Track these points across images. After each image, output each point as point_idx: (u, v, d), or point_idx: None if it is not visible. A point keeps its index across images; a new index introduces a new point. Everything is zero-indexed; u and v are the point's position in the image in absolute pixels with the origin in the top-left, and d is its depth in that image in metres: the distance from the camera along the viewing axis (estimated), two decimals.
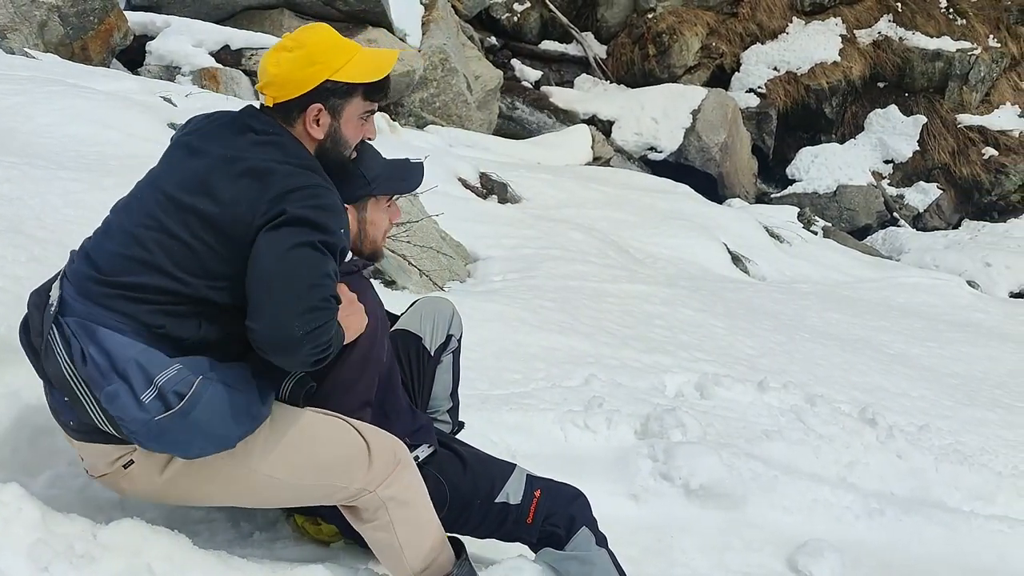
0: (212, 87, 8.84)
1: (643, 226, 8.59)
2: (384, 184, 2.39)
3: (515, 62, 16.23)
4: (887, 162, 16.27)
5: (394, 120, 10.56)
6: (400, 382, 2.56)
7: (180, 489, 2.15)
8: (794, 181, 15.85)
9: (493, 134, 12.89)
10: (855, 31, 17.02)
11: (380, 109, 11.56)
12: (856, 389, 5.21)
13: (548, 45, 16.76)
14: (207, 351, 2.07)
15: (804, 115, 16.42)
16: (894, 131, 16.31)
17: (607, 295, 5.88)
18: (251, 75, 9.21)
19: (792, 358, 5.57)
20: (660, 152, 14.45)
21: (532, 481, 2.49)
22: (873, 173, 15.99)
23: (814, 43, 16.75)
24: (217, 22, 10.46)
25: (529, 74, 16.13)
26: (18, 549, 2.01)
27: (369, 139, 2.31)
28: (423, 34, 12.17)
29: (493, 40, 16.14)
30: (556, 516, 2.44)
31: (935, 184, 16.01)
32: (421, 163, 2.47)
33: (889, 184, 16.08)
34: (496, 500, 2.44)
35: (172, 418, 1.97)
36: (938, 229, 15.59)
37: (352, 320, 2.21)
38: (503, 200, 8.24)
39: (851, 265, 10.31)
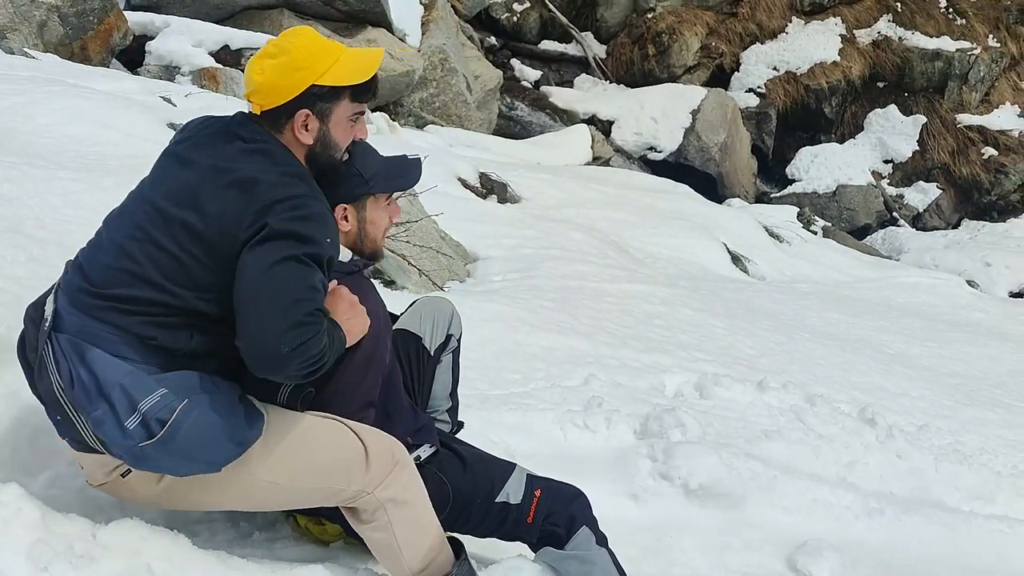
0: (212, 87, 8.84)
1: (643, 226, 8.59)
2: (382, 182, 2.38)
3: (515, 62, 16.23)
4: (887, 162, 16.27)
5: (394, 120, 10.56)
6: (402, 382, 2.56)
7: (178, 496, 2.16)
8: (794, 181, 15.85)
9: (493, 134, 12.90)
10: (855, 31, 17.02)
11: (380, 109, 11.51)
12: (856, 389, 5.21)
13: (548, 45, 16.76)
14: (201, 361, 2.07)
15: (804, 115, 16.42)
16: (894, 131, 16.31)
17: (607, 295, 5.88)
18: None
19: (792, 358, 5.57)
20: (660, 152, 14.44)
21: (532, 481, 2.49)
22: (873, 173, 15.99)
23: (814, 43, 16.75)
24: (217, 22, 10.46)
25: (529, 74, 16.12)
26: (18, 549, 2.01)
27: (360, 139, 2.29)
28: (423, 34, 12.17)
29: (493, 40, 16.14)
30: (556, 516, 2.44)
31: (935, 184, 16.01)
32: (419, 159, 2.46)
33: (889, 184, 16.08)
34: (496, 500, 2.44)
35: (154, 445, 1.98)
36: (938, 229, 15.59)
37: (354, 323, 2.20)
38: (503, 200, 8.24)
39: (851, 265, 10.31)
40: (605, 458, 3.43)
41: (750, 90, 16.43)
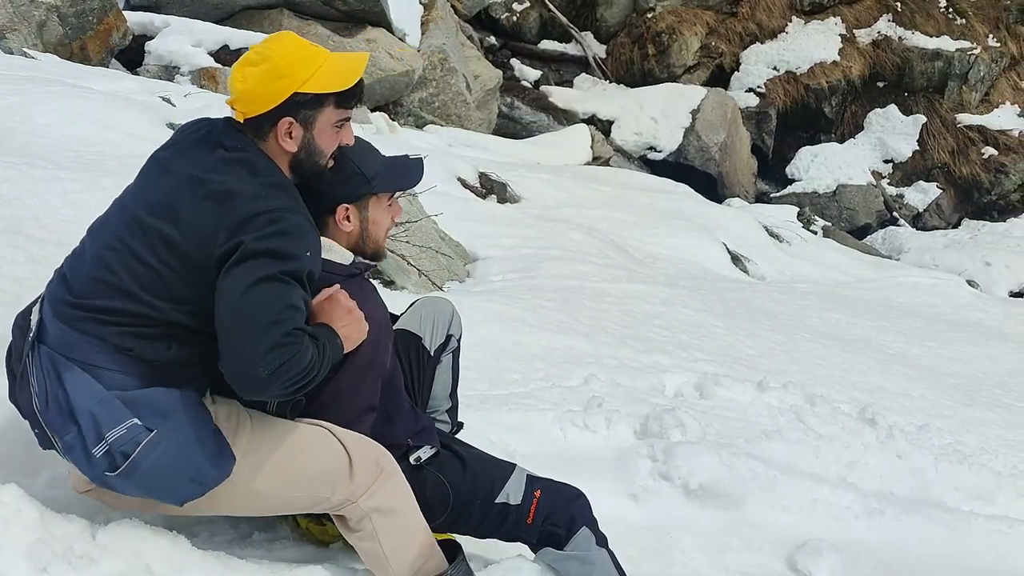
0: (211, 87, 8.83)
1: (643, 226, 8.59)
2: (384, 181, 2.37)
3: (514, 62, 16.22)
4: (887, 161, 16.27)
5: (393, 120, 10.56)
6: (403, 384, 2.55)
7: (164, 504, 2.17)
8: (794, 181, 15.85)
9: (492, 134, 12.89)
10: (855, 31, 17.02)
11: (380, 109, 11.49)
12: (856, 389, 5.21)
13: (547, 45, 16.76)
14: (181, 370, 2.07)
15: (804, 115, 16.42)
16: (894, 131, 16.31)
17: (606, 295, 5.88)
18: None
19: (792, 358, 5.56)
20: (659, 152, 14.44)
21: (532, 481, 2.48)
22: (873, 172, 15.99)
23: (814, 43, 16.75)
24: (216, 22, 10.45)
25: (528, 74, 16.12)
26: (17, 550, 2.01)
27: (346, 144, 2.25)
28: (422, 34, 12.17)
29: (492, 40, 16.14)
30: (556, 516, 2.44)
31: (935, 184, 16.01)
32: (421, 159, 2.46)
33: (889, 184, 16.08)
34: (496, 500, 2.43)
35: (117, 477, 1.99)
36: (938, 228, 15.59)
37: (351, 330, 2.18)
38: (502, 200, 8.23)
39: (851, 265, 10.31)
40: (605, 458, 3.43)
41: (750, 90, 16.43)
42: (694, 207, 10.10)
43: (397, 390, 2.47)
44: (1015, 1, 17.32)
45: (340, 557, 2.46)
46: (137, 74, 9.04)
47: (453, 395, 2.78)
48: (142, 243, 2.04)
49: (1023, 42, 17.11)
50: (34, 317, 2.10)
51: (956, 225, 15.90)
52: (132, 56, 9.54)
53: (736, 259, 8.71)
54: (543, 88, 15.79)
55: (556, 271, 6.08)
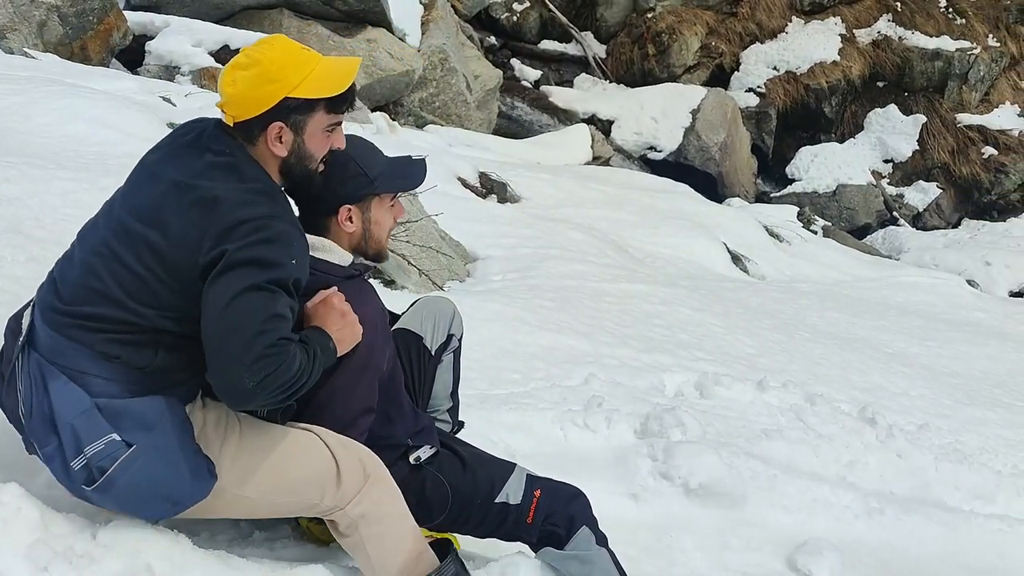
0: (211, 87, 8.83)
1: (643, 226, 8.59)
2: (387, 182, 2.37)
3: (514, 62, 16.23)
4: (887, 161, 16.27)
5: (393, 120, 10.55)
6: (403, 383, 2.55)
7: None
8: (793, 180, 15.85)
9: (492, 134, 12.89)
10: (854, 31, 17.02)
11: (380, 109, 11.48)
12: (856, 388, 5.21)
13: (547, 45, 16.76)
14: (168, 375, 2.07)
15: (804, 114, 16.42)
16: (893, 130, 16.31)
17: (606, 294, 5.88)
18: None
19: (791, 357, 5.56)
20: (660, 152, 14.44)
21: (532, 481, 2.48)
22: (873, 172, 15.99)
23: (813, 42, 16.75)
24: (216, 22, 10.46)
25: (528, 74, 16.12)
26: (17, 549, 2.01)
27: (337, 148, 2.23)
28: (422, 34, 12.16)
29: (492, 40, 16.13)
30: (556, 516, 2.44)
31: (935, 183, 16.01)
32: (423, 159, 2.45)
33: (889, 183, 16.08)
34: (496, 500, 2.43)
35: (94, 491, 2.01)
36: (938, 228, 15.60)
37: (345, 334, 2.18)
38: (502, 200, 8.23)
39: (850, 264, 10.31)
40: (605, 458, 3.43)
41: (750, 90, 16.43)
42: (694, 207, 10.10)
43: (397, 390, 2.47)
44: (1015, 1, 17.31)
45: (340, 556, 2.45)
46: (137, 74, 9.04)
47: (454, 395, 2.78)
48: (128, 250, 2.03)
49: (1023, 42, 17.11)
50: (25, 321, 2.10)
51: (956, 225, 15.90)
52: (132, 56, 9.54)
53: (736, 259, 8.72)
54: (543, 88, 15.79)
55: (556, 271, 6.08)
